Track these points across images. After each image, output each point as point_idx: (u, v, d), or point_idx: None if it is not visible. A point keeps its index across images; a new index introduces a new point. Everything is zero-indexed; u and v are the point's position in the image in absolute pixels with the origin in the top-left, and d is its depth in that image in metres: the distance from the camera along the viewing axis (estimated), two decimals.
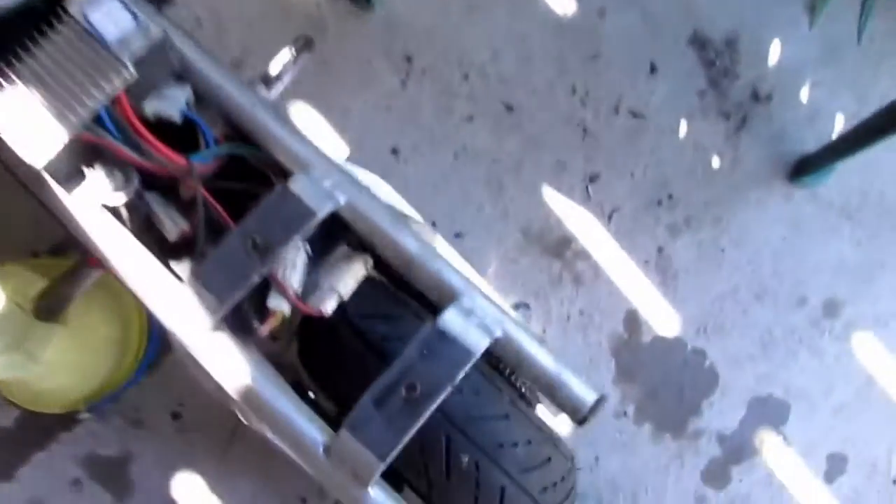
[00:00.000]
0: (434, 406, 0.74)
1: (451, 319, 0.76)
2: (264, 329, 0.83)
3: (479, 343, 0.76)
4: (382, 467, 0.73)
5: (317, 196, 0.80)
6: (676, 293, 1.66)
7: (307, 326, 1.11)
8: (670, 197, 1.71)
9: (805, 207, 1.73)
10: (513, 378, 1.15)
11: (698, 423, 1.61)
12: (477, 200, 1.66)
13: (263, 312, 0.83)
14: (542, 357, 0.77)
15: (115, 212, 0.86)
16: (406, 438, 0.74)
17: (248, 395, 0.77)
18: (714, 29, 1.79)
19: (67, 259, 1.44)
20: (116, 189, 0.84)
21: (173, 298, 0.79)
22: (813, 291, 1.69)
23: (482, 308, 0.78)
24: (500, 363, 1.11)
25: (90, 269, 1.27)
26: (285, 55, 1.15)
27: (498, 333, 0.77)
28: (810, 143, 1.73)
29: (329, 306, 0.85)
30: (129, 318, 1.49)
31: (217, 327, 0.79)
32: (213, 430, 1.50)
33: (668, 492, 1.57)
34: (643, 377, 1.62)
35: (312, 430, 0.76)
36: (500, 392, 1.08)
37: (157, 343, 1.50)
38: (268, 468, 1.49)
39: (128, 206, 0.86)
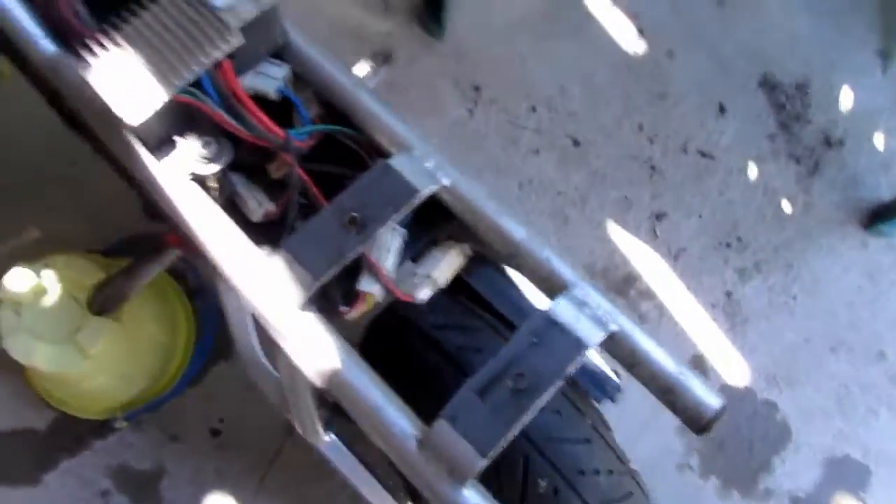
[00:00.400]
0: (543, 400, 0.67)
1: (562, 308, 0.70)
2: (353, 313, 0.76)
3: (592, 335, 0.69)
4: (484, 463, 0.66)
5: (419, 174, 0.75)
6: (746, 340, 1.58)
7: (377, 325, 1.04)
8: (739, 240, 1.65)
9: (881, 257, 1.66)
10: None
11: (769, 481, 1.50)
12: (541, 233, 1.61)
13: (351, 296, 0.77)
14: (661, 356, 0.70)
15: (202, 184, 0.81)
16: (511, 433, 0.66)
17: (335, 380, 0.70)
18: (784, 73, 1.76)
19: (122, 261, 1.39)
20: (208, 159, 0.80)
21: (261, 273, 0.73)
22: (892, 346, 1.60)
23: (595, 300, 0.71)
24: (577, 388, 1.03)
25: (150, 266, 1.23)
26: (364, 68, 1.12)
27: (613, 327, 0.70)
28: (885, 191, 1.67)
29: (424, 294, 0.78)
30: (178, 325, 1.44)
31: (307, 306, 0.72)
32: (253, 452, 1.42)
33: None
34: None
35: (404, 420, 0.68)
36: (583, 414, 1.00)
37: (204, 355, 1.44)
38: (307, 497, 1.40)
39: (216, 179, 0.82)
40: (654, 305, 1.58)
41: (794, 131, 1.72)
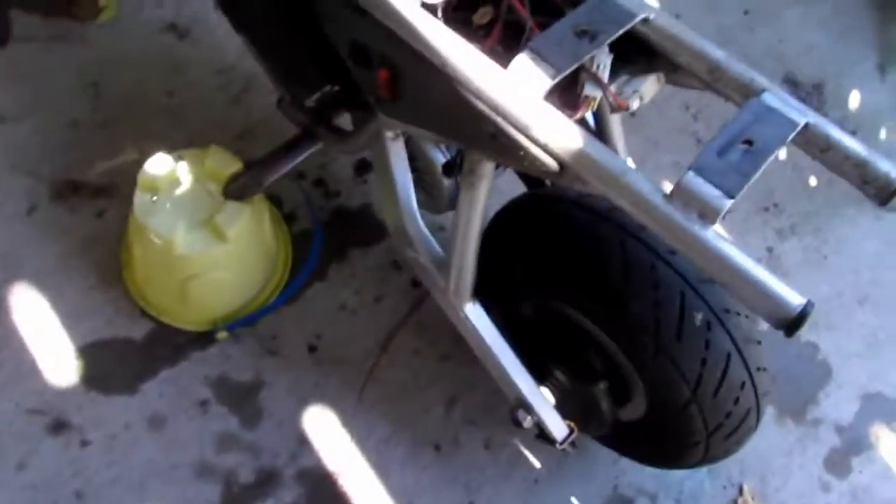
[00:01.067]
0: (769, 160, 0.79)
1: (770, 99, 0.83)
2: (578, 114, 0.88)
3: (799, 118, 0.82)
4: (730, 203, 0.77)
5: (632, 3, 0.89)
6: None
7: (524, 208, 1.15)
8: (776, 205, 1.83)
9: (894, 228, 1.86)
10: None
11: (816, 412, 1.63)
12: None
13: (573, 102, 0.88)
14: (851, 141, 0.83)
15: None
16: (749, 182, 0.78)
17: (580, 156, 0.80)
18: (803, 75, 2.01)
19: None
20: None
21: (503, 73, 0.84)
22: None
23: (789, 99, 0.85)
24: None
25: (287, 157, 1.30)
26: None
27: (810, 117, 0.83)
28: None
29: (634, 104, 0.91)
30: (279, 242, 1.49)
31: (547, 98, 0.83)
32: (350, 367, 1.46)
33: (793, 477, 1.55)
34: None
35: (646, 182, 0.79)
36: None
37: (305, 275, 1.49)
38: (404, 411, 1.44)
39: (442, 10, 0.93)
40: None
41: None
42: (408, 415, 1.44)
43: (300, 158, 1.30)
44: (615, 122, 1.14)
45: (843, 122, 1.95)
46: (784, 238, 1.80)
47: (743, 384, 1.06)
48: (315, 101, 1.22)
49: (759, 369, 1.08)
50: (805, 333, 1.70)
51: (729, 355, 1.04)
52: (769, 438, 1.58)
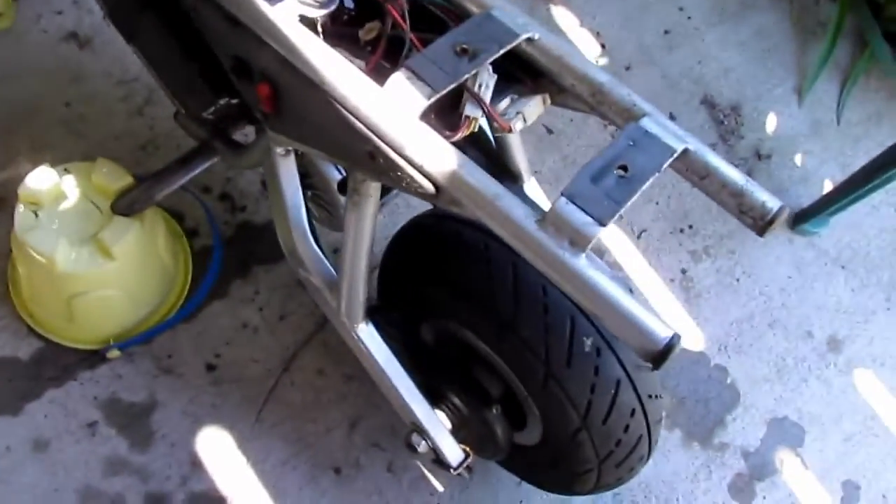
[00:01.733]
0: (645, 187, 0.78)
1: (649, 124, 0.82)
2: (457, 136, 0.85)
3: (677, 143, 0.81)
4: (601, 231, 0.75)
5: (515, 24, 0.87)
6: (700, 312, 1.75)
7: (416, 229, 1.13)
8: (691, 227, 1.85)
9: (805, 253, 1.90)
10: None
11: (724, 436, 1.64)
12: None
13: (454, 123, 0.86)
14: (729, 169, 0.83)
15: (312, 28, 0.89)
16: (621, 210, 0.77)
17: (455, 178, 0.78)
18: (721, 96, 2.04)
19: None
20: (318, 4, 0.89)
21: (380, 91, 0.82)
22: (817, 327, 1.81)
23: (670, 124, 0.84)
24: None
25: (180, 172, 1.26)
26: None
27: (689, 143, 0.83)
28: (804, 199, 1.93)
29: (518, 125, 0.89)
30: (179, 258, 1.44)
31: (423, 117, 0.81)
32: (250, 387, 1.41)
33: (698, 502, 1.56)
34: (672, 385, 1.65)
35: (520, 206, 0.77)
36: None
37: (204, 292, 1.44)
38: (304, 433, 1.40)
39: (323, 25, 0.90)
40: (621, 276, 1.73)
41: (730, 143, 1.98)
42: (308, 436, 1.40)
43: (194, 173, 1.25)
44: (515, 143, 1.13)
45: (760, 145, 1.99)
46: (698, 260, 1.81)
47: (633, 411, 1.05)
48: (212, 114, 1.18)
49: (650, 396, 1.07)
50: (715, 356, 1.72)
51: (619, 382, 1.03)
52: (675, 462, 1.58)
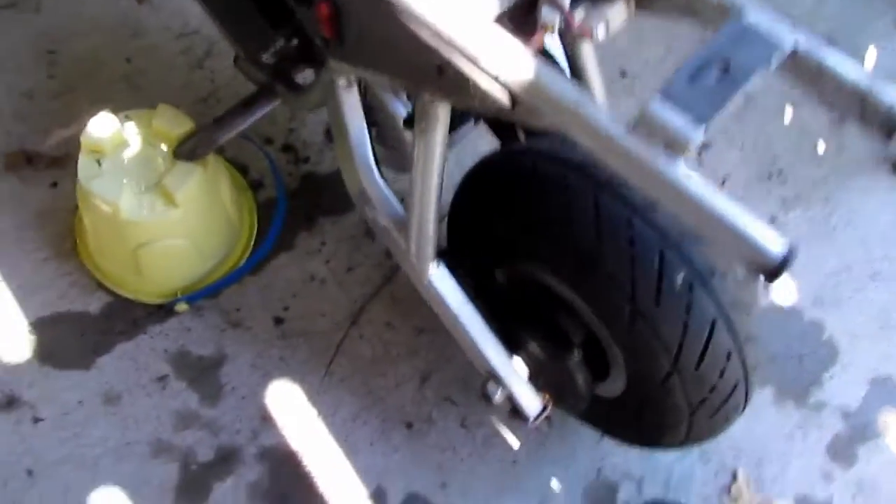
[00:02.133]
0: (748, 86, 0.69)
1: (753, 17, 0.73)
2: (534, 43, 0.78)
3: (785, 40, 0.72)
4: (701, 133, 0.67)
5: None
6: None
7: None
8: (780, 172, 1.72)
9: None
10: None
11: (820, 395, 1.52)
12: None
13: (529, 30, 0.78)
14: (850, 65, 0.73)
15: None
16: (724, 108, 0.68)
17: (533, 86, 0.71)
18: (815, 30, 1.88)
19: None
20: None
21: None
22: None
23: (776, 20, 0.75)
24: None
25: (242, 116, 1.22)
26: None
27: (801, 40, 0.73)
28: None
29: (601, 33, 0.81)
30: (243, 210, 1.41)
31: (501, 23, 0.74)
32: (318, 341, 1.38)
33: (792, 464, 1.45)
34: (762, 340, 1.53)
35: (604, 113, 0.69)
36: None
37: (269, 244, 1.41)
38: (374, 387, 1.36)
39: None
40: None
41: None
42: (378, 390, 1.36)
43: (256, 117, 1.21)
44: (588, 57, 1.04)
45: None
46: (789, 208, 1.69)
47: (729, 354, 0.96)
48: (272, 56, 1.14)
49: (748, 339, 0.98)
50: (809, 310, 1.59)
51: (714, 321, 0.94)
52: (767, 422, 1.47)
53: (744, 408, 1.05)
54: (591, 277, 0.96)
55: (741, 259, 0.66)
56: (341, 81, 1.02)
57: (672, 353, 0.95)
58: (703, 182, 0.67)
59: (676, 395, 0.99)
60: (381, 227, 1.09)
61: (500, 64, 0.73)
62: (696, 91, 0.68)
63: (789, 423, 1.48)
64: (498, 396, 1.11)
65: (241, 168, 1.48)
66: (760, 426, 1.47)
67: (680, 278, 0.93)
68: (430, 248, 1.03)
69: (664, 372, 0.97)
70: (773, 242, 0.65)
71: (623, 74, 1.74)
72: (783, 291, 1.59)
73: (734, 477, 1.41)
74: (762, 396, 1.49)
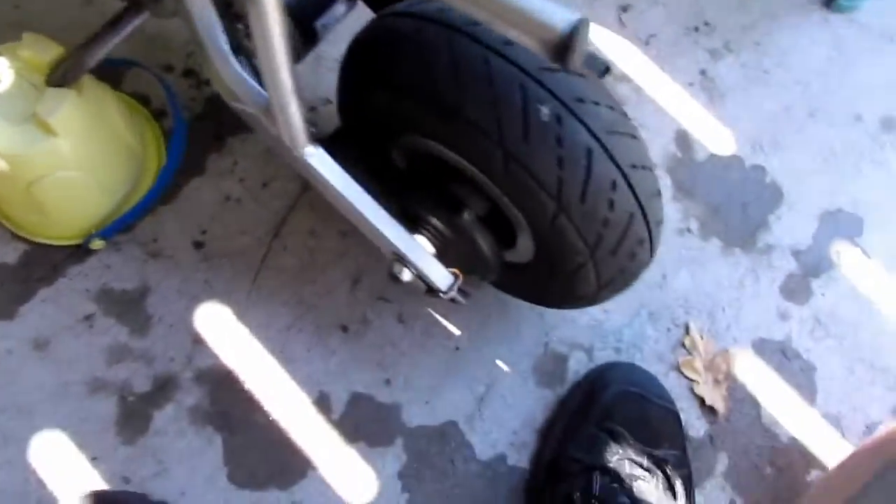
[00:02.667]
0: None
1: None
2: None
3: None
4: None
5: None
6: (726, 112, 1.57)
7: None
8: (706, 24, 1.65)
9: (844, 31, 1.67)
10: None
11: (768, 237, 1.48)
12: None
13: None
14: None
15: None
16: None
17: None
18: None
19: None
20: None
21: None
22: (866, 109, 1.60)
23: None
24: None
25: (110, 34, 1.18)
26: None
27: None
28: None
29: None
30: (146, 138, 1.38)
31: None
32: (242, 259, 1.35)
33: (746, 309, 1.42)
34: (702, 194, 1.50)
35: None
36: None
37: (174, 165, 1.38)
38: (304, 296, 1.34)
39: None
40: (631, 87, 1.56)
41: None
42: (309, 298, 1.34)
43: (124, 32, 1.16)
44: None
45: None
46: (719, 57, 1.62)
47: (614, 183, 0.92)
48: None
49: (634, 166, 0.94)
50: (750, 157, 1.54)
51: (589, 151, 0.90)
52: (715, 272, 1.44)
53: (650, 243, 1.01)
54: (458, 129, 0.92)
55: (530, 40, 0.62)
56: None
57: (552, 189, 0.91)
58: None
59: (570, 234, 0.95)
60: (251, 118, 1.06)
61: None
62: None
63: (739, 270, 1.45)
64: (405, 275, 1.08)
65: (142, 99, 1.44)
66: (709, 279, 1.43)
67: (545, 112, 0.89)
68: (300, 129, 0.99)
69: (551, 212, 0.93)
70: (556, 16, 0.60)
71: None
72: (721, 142, 1.54)
73: (686, 331, 1.38)
74: (708, 250, 1.46)
